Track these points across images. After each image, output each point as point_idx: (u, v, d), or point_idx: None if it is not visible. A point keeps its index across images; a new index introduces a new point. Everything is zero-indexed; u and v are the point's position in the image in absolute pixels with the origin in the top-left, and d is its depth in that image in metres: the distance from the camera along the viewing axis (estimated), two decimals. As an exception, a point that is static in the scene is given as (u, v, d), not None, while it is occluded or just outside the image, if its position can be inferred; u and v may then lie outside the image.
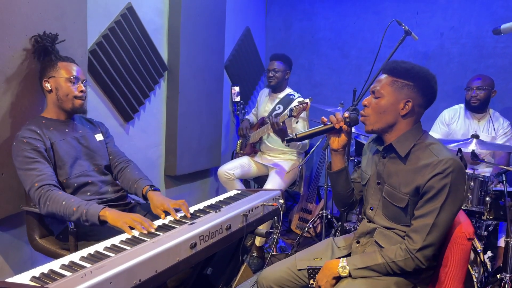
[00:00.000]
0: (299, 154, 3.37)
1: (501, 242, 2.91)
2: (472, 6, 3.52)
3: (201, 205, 1.87)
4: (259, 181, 3.47)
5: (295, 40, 4.36)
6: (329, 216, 3.34)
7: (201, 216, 1.69)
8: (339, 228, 3.01)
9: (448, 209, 1.43)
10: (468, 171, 2.41)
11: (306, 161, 3.55)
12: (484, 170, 3.01)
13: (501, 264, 2.58)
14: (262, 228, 2.62)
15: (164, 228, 1.58)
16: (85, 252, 1.33)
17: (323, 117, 1.70)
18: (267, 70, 3.35)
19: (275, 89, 3.36)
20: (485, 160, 2.30)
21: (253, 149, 3.38)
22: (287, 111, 2.76)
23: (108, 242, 1.41)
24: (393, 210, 1.57)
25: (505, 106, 3.46)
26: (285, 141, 1.75)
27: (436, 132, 3.38)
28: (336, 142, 1.69)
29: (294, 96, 3.28)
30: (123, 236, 1.48)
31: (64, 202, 1.66)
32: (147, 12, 2.81)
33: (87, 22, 2.28)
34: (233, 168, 3.24)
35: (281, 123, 2.86)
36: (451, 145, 2.22)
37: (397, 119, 1.54)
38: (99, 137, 2.06)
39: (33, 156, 1.75)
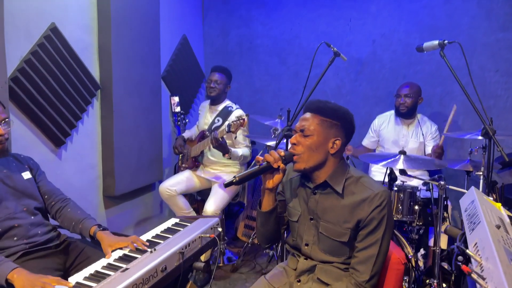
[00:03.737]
0: (242, 165, 3.39)
1: (431, 242, 3.11)
2: (401, 15, 3.67)
3: (136, 242, 1.85)
4: (202, 194, 3.47)
5: (233, 47, 4.34)
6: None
7: (136, 258, 1.67)
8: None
9: (387, 237, 1.55)
10: (397, 182, 2.55)
11: (251, 165, 3.59)
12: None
13: (431, 264, 2.75)
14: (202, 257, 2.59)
15: (97, 276, 1.55)
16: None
17: (258, 156, 1.67)
18: (208, 80, 3.33)
19: (214, 101, 3.36)
20: (413, 176, 2.43)
21: (195, 163, 3.36)
22: (225, 126, 2.76)
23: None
24: (332, 244, 1.61)
25: (433, 110, 3.66)
26: (224, 184, 1.70)
27: (368, 139, 3.53)
28: (272, 181, 1.63)
29: (233, 108, 3.30)
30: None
31: None
32: (74, 30, 2.68)
33: (5, 49, 2.15)
34: (175, 184, 3.21)
35: (220, 139, 2.87)
36: (381, 164, 2.33)
37: (327, 157, 1.60)
38: (26, 175, 1.95)
39: None
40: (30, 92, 2.38)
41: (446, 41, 2.37)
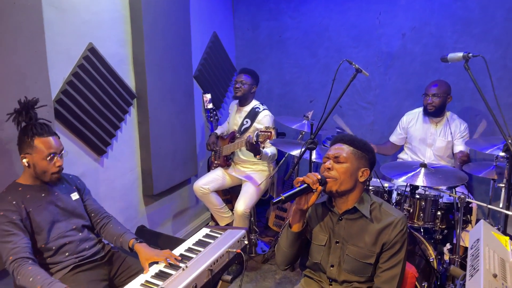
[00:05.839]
0: (270, 164, 3.54)
1: (454, 240, 3.17)
2: (432, 7, 3.58)
3: (171, 256, 2.06)
4: (234, 190, 3.66)
5: (263, 39, 4.39)
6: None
7: (171, 275, 1.88)
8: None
9: (406, 256, 1.73)
10: (419, 191, 2.62)
11: (280, 163, 3.73)
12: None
13: (455, 259, 2.79)
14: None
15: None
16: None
17: (298, 177, 1.75)
18: (235, 81, 3.45)
19: (241, 101, 3.49)
20: (434, 187, 2.50)
21: (227, 162, 3.54)
22: (254, 136, 2.88)
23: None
24: (358, 265, 1.77)
25: (464, 105, 3.62)
26: (272, 202, 1.81)
27: (395, 136, 3.56)
28: (306, 202, 1.74)
29: (260, 108, 3.42)
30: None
31: (31, 279, 1.78)
32: (110, 46, 2.85)
33: (49, 78, 2.34)
34: (208, 183, 3.42)
35: (254, 142, 3.01)
36: (401, 179, 2.40)
37: (356, 184, 1.77)
38: (74, 196, 2.18)
39: (9, 228, 1.87)
40: (73, 110, 2.59)
41: (470, 54, 2.35)
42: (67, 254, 2.05)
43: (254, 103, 3.48)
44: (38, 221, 1.98)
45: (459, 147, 3.24)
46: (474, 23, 3.46)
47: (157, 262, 1.99)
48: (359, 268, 1.77)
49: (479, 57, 2.41)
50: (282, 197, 1.69)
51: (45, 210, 2.02)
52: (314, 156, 2.69)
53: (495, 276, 1.32)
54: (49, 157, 1.96)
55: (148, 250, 2.05)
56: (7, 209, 1.90)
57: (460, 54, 2.39)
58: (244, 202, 3.24)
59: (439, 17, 3.58)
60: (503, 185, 2.44)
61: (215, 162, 3.66)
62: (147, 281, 1.86)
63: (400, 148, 3.63)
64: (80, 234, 2.13)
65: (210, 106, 4.00)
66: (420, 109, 3.42)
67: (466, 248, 3.07)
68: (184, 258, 2.03)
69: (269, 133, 2.74)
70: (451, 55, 2.44)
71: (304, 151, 2.56)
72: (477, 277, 1.30)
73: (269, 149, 3.32)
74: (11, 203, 1.92)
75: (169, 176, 3.46)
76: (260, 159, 3.21)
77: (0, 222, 1.87)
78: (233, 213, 3.43)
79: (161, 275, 1.91)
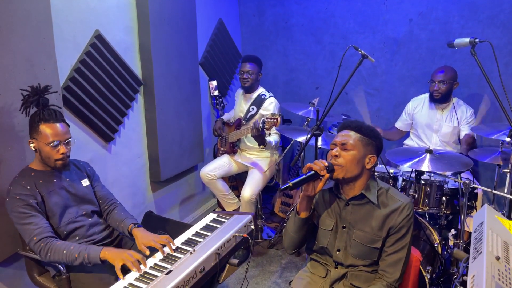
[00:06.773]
0: (275, 151, 3.56)
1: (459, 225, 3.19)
2: (439, -8, 3.56)
3: (178, 241, 2.09)
4: (240, 176, 3.70)
5: (269, 26, 4.38)
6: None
7: (178, 259, 1.91)
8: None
9: (411, 240, 1.77)
10: (425, 177, 2.64)
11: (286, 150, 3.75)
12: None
13: (460, 244, 2.82)
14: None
15: (145, 277, 1.80)
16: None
17: (307, 164, 1.76)
18: (241, 71, 3.46)
19: (248, 89, 3.49)
20: (439, 173, 2.51)
21: (233, 149, 3.57)
22: (260, 123, 2.90)
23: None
24: (364, 249, 1.80)
25: (471, 91, 3.60)
26: (280, 188, 1.83)
27: (401, 122, 3.57)
28: (314, 188, 1.76)
29: (266, 96, 3.43)
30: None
31: (65, 251, 1.88)
32: (116, 33, 2.86)
33: (57, 65, 2.37)
34: (214, 169, 3.45)
35: (260, 129, 3.02)
36: (406, 165, 2.41)
37: (363, 171, 1.78)
38: (85, 182, 2.22)
39: (27, 211, 1.93)
40: (81, 97, 2.62)
41: (477, 40, 2.34)
42: (77, 238, 2.10)
43: (260, 90, 3.49)
44: (51, 206, 2.03)
45: (465, 132, 3.24)
46: (481, 8, 3.42)
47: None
48: (365, 253, 1.80)
49: (486, 43, 2.41)
50: (290, 183, 1.72)
51: (57, 195, 2.07)
52: (320, 142, 2.71)
53: (498, 258, 1.34)
54: (52, 144, 1.96)
55: (144, 234, 2.08)
56: (22, 193, 1.95)
57: (467, 40, 2.38)
58: (251, 188, 3.28)
59: (446, 2, 3.55)
60: (508, 170, 2.45)
61: (221, 149, 3.69)
62: (156, 264, 1.90)
63: (406, 134, 3.63)
64: (90, 219, 2.18)
65: (216, 93, 4.02)
66: (426, 95, 3.42)
67: (470, 234, 3.10)
68: (192, 242, 2.07)
69: (275, 120, 2.76)
70: (457, 41, 2.43)
71: (310, 138, 2.57)
72: (480, 259, 1.32)
73: (273, 137, 3.34)
74: (26, 187, 1.97)
75: (176, 163, 3.50)
76: (264, 148, 3.24)
77: (18, 206, 1.93)
78: (239, 200, 3.47)
79: (170, 259, 1.95)
